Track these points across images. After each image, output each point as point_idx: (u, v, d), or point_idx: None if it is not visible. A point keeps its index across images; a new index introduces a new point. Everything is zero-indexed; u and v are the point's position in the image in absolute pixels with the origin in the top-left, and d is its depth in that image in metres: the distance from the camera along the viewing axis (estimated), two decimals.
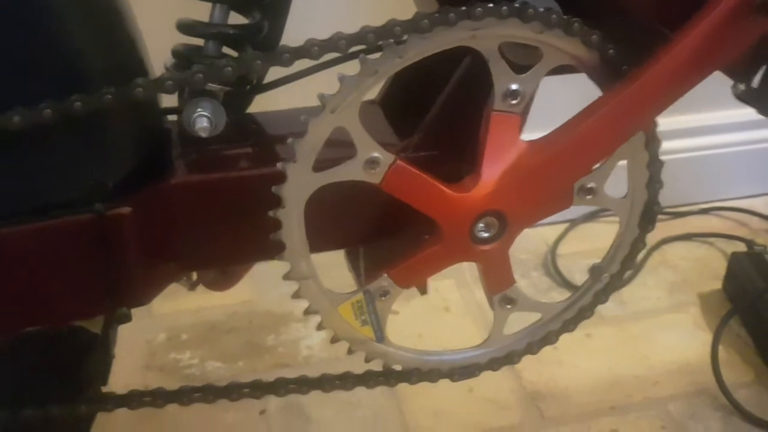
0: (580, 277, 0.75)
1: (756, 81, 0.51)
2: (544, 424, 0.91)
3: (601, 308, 0.63)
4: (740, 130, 1.26)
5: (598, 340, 1.01)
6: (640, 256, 1.13)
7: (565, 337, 0.64)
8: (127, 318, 0.54)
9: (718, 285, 1.10)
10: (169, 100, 0.58)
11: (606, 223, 1.20)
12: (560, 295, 1.08)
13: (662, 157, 0.57)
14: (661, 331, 1.04)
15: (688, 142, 1.24)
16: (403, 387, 0.90)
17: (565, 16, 0.51)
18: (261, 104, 0.62)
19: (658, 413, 0.92)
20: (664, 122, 0.56)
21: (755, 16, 0.49)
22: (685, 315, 1.06)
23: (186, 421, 0.88)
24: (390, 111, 0.63)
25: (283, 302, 1.05)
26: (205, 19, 0.56)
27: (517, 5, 0.50)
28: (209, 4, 0.56)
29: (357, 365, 0.62)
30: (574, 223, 1.21)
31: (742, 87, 0.50)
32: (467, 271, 1.10)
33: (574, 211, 1.20)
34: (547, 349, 0.64)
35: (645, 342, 1.02)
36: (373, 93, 0.63)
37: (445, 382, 0.63)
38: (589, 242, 1.17)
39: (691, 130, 1.24)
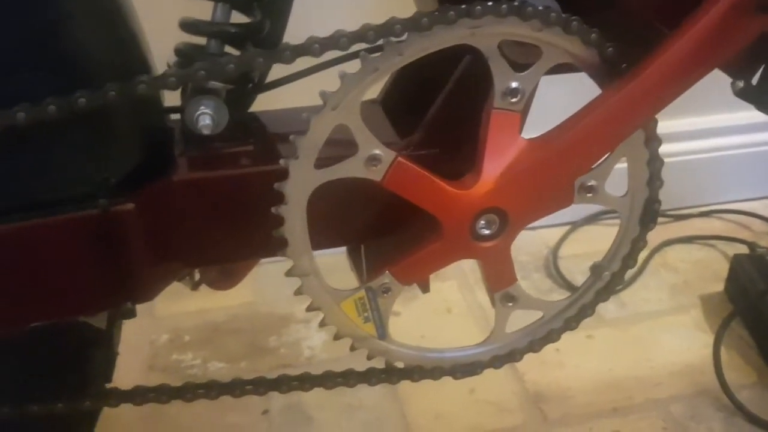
0: (581, 279, 0.75)
1: (755, 78, 0.51)
2: (546, 425, 0.90)
3: (602, 310, 0.63)
4: (741, 132, 1.26)
5: (600, 342, 1.01)
6: (642, 258, 1.15)
7: (566, 339, 0.64)
8: (132, 313, 0.55)
9: (719, 287, 1.10)
10: (172, 99, 0.58)
11: (607, 225, 1.20)
12: (561, 297, 1.07)
13: (664, 160, 0.58)
14: (662, 332, 1.04)
15: (689, 144, 1.25)
16: (404, 389, 0.91)
17: (563, 15, 0.51)
18: (263, 104, 0.62)
19: (660, 414, 0.92)
20: (666, 125, 0.56)
21: (755, 12, 0.50)
22: (687, 317, 1.06)
23: (188, 421, 0.88)
24: (391, 110, 0.64)
25: (285, 303, 1.05)
26: (208, 17, 0.56)
27: (516, 3, 0.50)
28: (211, 3, 0.56)
29: (359, 365, 0.62)
30: (575, 225, 1.21)
31: (741, 84, 0.50)
32: (469, 272, 1.10)
33: (575, 213, 1.20)
34: (548, 351, 0.64)
35: (646, 343, 1.02)
36: (374, 93, 0.63)
37: (447, 384, 0.63)
38: (590, 244, 1.17)
39: (692, 133, 1.24)
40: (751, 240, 1.18)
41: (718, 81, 0.54)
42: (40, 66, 0.49)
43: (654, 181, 0.58)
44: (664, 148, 0.57)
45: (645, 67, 0.52)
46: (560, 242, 1.19)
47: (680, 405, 0.93)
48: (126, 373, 0.77)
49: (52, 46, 0.49)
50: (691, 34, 0.50)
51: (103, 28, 0.52)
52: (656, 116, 0.55)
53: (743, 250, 1.15)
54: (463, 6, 0.49)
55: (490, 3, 0.50)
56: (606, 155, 0.56)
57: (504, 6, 0.50)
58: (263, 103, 0.62)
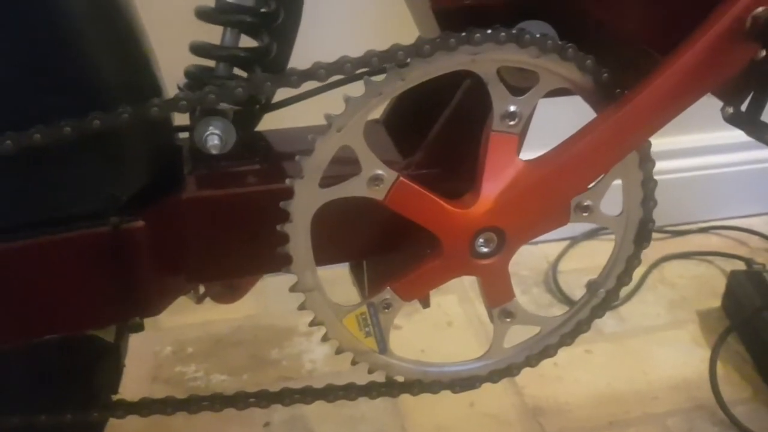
0: (580, 294, 0.76)
1: (745, 104, 0.52)
2: None
3: (600, 324, 0.64)
4: (740, 150, 1.27)
5: (598, 356, 1.03)
6: (640, 273, 1.16)
7: (565, 353, 0.66)
8: (140, 327, 0.56)
9: (716, 303, 1.11)
10: (181, 119, 0.60)
11: (606, 241, 1.21)
12: (561, 311, 1.07)
13: (663, 177, 0.59)
14: (659, 347, 1.05)
15: (688, 161, 1.26)
16: (405, 402, 0.92)
17: (560, 42, 0.53)
18: (269, 122, 0.64)
19: (657, 428, 0.93)
20: (665, 142, 0.58)
21: (744, 41, 0.51)
22: (684, 332, 1.08)
23: None
24: (393, 130, 0.66)
25: (288, 317, 1.06)
26: (217, 41, 0.58)
27: (514, 31, 0.52)
28: (221, 28, 0.58)
29: (360, 379, 0.63)
30: (574, 240, 1.22)
31: (730, 110, 0.51)
32: (470, 286, 1.12)
33: (575, 228, 1.22)
34: (547, 365, 0.66)
35: (644, 358, 1.03)
36: (377, 113, 0.65)
37: (447, 398, 0.65)
38: (590, 259, 1.18)
39: (691, 150, 1.26)
40: (748, 256, 1.19)
41: (716, 99, 0.55)
42: (56, 88, 0.51)
43: (648, 201, 0.60)
44: (663, 165, 0.59)
45: (638, 93, 0.53)
46: (560, 257, 1.20)
47: (677, 419, 0.94)
48: (129, 384, 0.79)
49: (68, 69, 0.51)
50: (683, 60, 0.52)
51: (116, 51, 0.54)
52: (650, 138, 0.57)
53: (740, 266, 1.16)
54: (464, 33, 0.51)
55: (489, 30, 0.51)
56: (601, 176, 0.58)
57: (503, 34, 0.51)
58: (269, 120, 0.64)
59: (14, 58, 0.50)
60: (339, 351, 0.60)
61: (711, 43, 0.51)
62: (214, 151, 0.56)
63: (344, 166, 0.54)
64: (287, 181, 0.53)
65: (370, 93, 0.52)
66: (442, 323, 1.08)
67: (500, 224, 0.57)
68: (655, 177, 0.59)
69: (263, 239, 0.56)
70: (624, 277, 0.63)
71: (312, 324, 0.58)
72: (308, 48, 0.61)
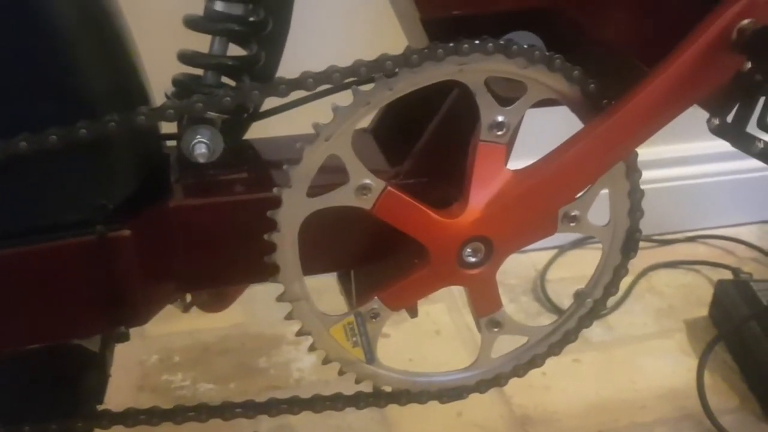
0: (568, 302, 0.77)
1: (731, 116, 0.53)
2: None
3: (588, 334, 0.64)
4: (726, 159, 1.28)
5: (586, 366, 1.03)
6: (628, 282, 1.17)
7: (553, 363, 0.66)
8: (126, 337, 0.56)
9: (704, 312, 1.12)
10: (168, 127, 0.60)
11: (594, 249, 1.21)
12: (549, 320, 1.07)
13: (650, 186, 0.60)
14: (647, 356, 1.05)
15: (675, 171, 1.27)
16: (393, 412, 0.91)
17: (547, 53, 0.53)
18: (258, 131, 0.64)
19: None
20: (653, 151, 0.58)
21: (730, 53, 0.52)
22: (672, 341, 1.08)
23: None
24: (382, 139, 0.66)
25: (276, 325, 1.06)
26: (205, 50, 0.58)
27: (502, 42, 0.52)
28: (209, 36, 0.58)
29: (347, 388, 0.63)
30: (562, 249, 1.23)
31: (716, 121, 0.52)
32: (458, 295, 1.11)
33: (563, 237, 1.22)
34: (535, 375, 0.66)
35: (632, 367, 1.03)
36: (365, 122, 0.65)
37: (434, 407, 0.64)
38: (577, 268, 1.18)
39: (678, 160, 1.27)
40: (735, 265, 1.19)
41: (702, 109, 0.56)
42: (42, 96, 0.50)
43: (635, 211, 0.60)
44: (649, 175, 0.59)
45: (625, 103, 0.54)
46: (548, 266, 1.20)
47: (665, 428, 0.94)
48: (115, 393, 0.78)
49: (54, 77, 0.51)
50: (669, 72, 0.52)
51: (104, 59, 0.53)
52: (637, 149, 0.57)
53: (727, 275, 1.16)
54: (452, 44, 0.51)
55: (477, 41, 0.52)
56: (588, 186, 0.58)
57: (490, 44, 0.52)
58: (257, 129, 0.64)
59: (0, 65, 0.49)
60: (326, 361, 0.60)
61: (697, 55, 0.52)
62: (201, 160, 0.56)
63: (332, 175, 0.54)
64: (275, 189, 0.53)
65: (358, 102, 0.52)
66: (431, 332, 1.08)
67: (488, 234, 0.57)
68: (642, 186, 0.59)
69: (250, 248, 0.55)
70: (611, 287, 0.63)
71: (299, 334, 0.58)
72: (297, 57, 0.61)
